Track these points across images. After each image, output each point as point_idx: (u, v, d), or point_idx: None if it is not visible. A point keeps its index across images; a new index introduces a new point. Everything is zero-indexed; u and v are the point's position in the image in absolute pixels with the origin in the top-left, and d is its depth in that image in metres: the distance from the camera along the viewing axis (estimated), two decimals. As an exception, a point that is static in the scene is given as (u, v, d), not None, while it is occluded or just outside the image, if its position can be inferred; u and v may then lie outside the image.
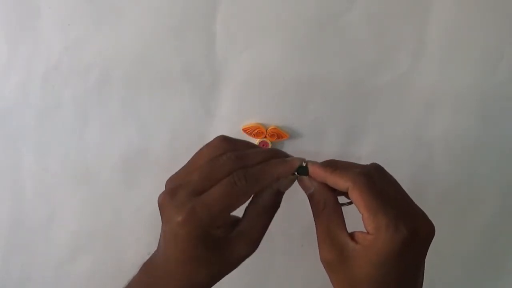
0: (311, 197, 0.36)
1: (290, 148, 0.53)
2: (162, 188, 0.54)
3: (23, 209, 0.56)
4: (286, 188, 0.37)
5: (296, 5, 0.49)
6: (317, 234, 0.35)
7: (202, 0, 0.50)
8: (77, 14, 0.50)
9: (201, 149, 0.36)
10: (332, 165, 0.35)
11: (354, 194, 0.32)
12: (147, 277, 0.36)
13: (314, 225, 0.36)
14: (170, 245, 0.33)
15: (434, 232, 0.33)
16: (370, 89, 0.52)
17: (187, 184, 0.33)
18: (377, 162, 0.36)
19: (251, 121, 0.53)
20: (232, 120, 0.53)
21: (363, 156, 0.53)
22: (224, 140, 0.36)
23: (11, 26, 0.50)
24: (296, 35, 0.50)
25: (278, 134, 0.52)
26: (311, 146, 0.53)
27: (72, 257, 0.57)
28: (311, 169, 0.35)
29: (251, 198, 0.36)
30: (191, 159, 0.36)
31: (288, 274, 0.56)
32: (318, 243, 0.35)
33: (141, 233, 0.56)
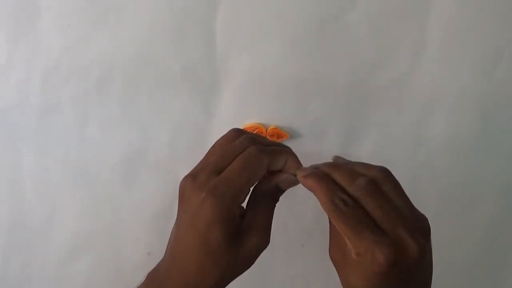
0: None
1: (290, 148, 0.53)
2: (162, 188, 0.54)
3: (23, 209, 0.56)
4: (285, 187, 0.37)
5: (296, 5, 0.49)
6: (329, 231, 0.36)
7: (202, 0, 0.50)
8: (77, 14, 0.50)
9: (217, 141, 0.38)
10: (318, 180, 0.34)
11: (332, 220, 0.33)
12: (152, 282, 0.37)
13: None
14: (188, 231, 0.33)
15: (424, 248, 0.32)
16: (370, 89, 0.52)
17: (206, 166, 0.34)
18: (384, 167, 0.35)
19: (251, 121, 0.53)
20: (232, 120, 0.53)
21: (363, 156, 0.53)
22: (238, 130, 0.38)
23: (11, 26, 0.50)
24: (296, 35, 0.50)
25: (278, 134, 0.52)
26: (311, 146, 0.53)
27: (72, 257, 0.57)
28: (301, 180, 0.35)
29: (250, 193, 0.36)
30: (209, 150, 0.38)
31: (288, 274, 0.56)
32: (329, 236, 0.36)
33: (141, 233, 0.56)
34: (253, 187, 0.37)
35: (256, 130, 0.52)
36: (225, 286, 0.36)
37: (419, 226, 0.33)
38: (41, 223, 0.56)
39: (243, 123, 0.53)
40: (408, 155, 0.54)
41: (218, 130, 0.53)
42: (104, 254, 0.56)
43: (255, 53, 0.51)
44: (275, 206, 0.37)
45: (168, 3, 0.50)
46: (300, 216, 0.54)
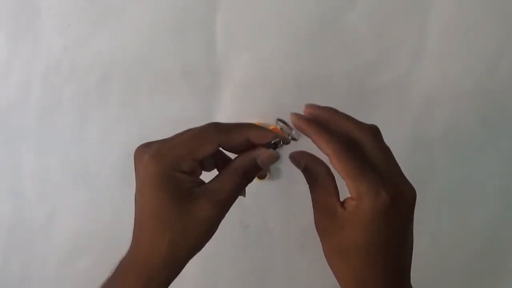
0: (304, 172, 0.36)
1: (290, 148, 0.53)
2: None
3: (23, 209, 0.56)
4: (265, 165, 0.36)
5: (296, 5, 0.49)
6: (312, 205, 0.35)
7: (202, 0, 0.50)
8: (77, 14, 0.50)
9: None
10: (318, 125, 0.34)
11: (333, 162, 0.33)
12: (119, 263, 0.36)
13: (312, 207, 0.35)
14: (138, 198, 0.34)
15: (416, 196, 0.33)
16: (370, 89, 0.52)
17: (162, 139, 0.35)
18: (375, 125, 0.36)
19: (251, 121, 0.53)
20: (232, 120, 0.53)
21: (363, 156, 0.53)
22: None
23: (11, 26, 0.50)
24: (296, 35, 0.50)
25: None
26: (311, 146, 0.53)
27: (72, 257, 0.57)
28: (296, 122, 0.35)
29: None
30: None
31: (288, 274, 0.56)
32: (313, 212, 0.35)
33: (141, 233, 0.56)
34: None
35: (256, 130, 0.52)
36: (180, 264, 0.35)
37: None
38: (41, 223, 0.56)
39: (243, 123, 0.53)
40: (408, 155, 0.54)
41: (218, 130, 0.53)
42: (104, 254, 0.56)
43: (255, 53, 0.51)
44: (245, 185, 0.36)
45: (168, 3, 0.50)
46: (300, 216, 0.54)
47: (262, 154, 0.36)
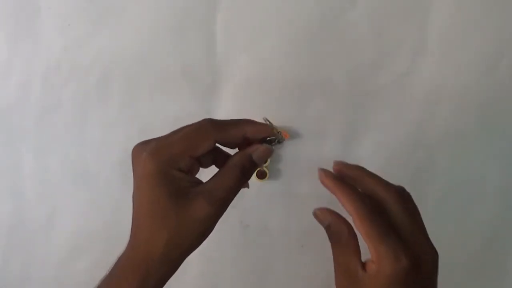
0: (327, 229, 0.36)
1: (290, 148, 0.53)
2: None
3: (23, 209, 0.56)
4: (260, 159, 0.36)
5: (296, 5, 0.49)
6: (333, 263, 0.35)
7: (202, 0, 0.50)
8: (77, 14, 0.50)
9: None
10: (344, 184, 0.34)
11: (356, 224, 0.33)
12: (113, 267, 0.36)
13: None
14: (136, 194, 0.34)
15: (437, 259, 0.33)
16: (370, 89, 0.52)
17: (159, 137, 0.35)
18: (402, 186, 0.35)
19: (251, 121, 0.53)
20: (232, 120, 0.53)
21: (363, 156, 0.53)
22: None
23: (11, 26, 0.50)
24: (296, 35, 0.50)
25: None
26: (311, 146, 0.53)
27: (72, 257, 0.57)
28: (322, 179, 0.35)
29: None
30: None
31: (288, 274, 0.56)
32: (334, 270, 0.35)
33: (141, 233, 0.56)
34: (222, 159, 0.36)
35: (256, 130, 0.52)
36: (177, 261, 0.34)
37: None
38: (41, 223, 0.56)
39: (243, 123, 0.53)
40: (408, 155, 0.54)
41: (218, 130, 0.53)
42: (104, 254, 0.56)
43: (255, 53, 0.51)
44: (243, 182, 0.36)
45: (168, 3, 0.50)
46: (300, 216, 0.54)
47: (257, 149, 0.36)
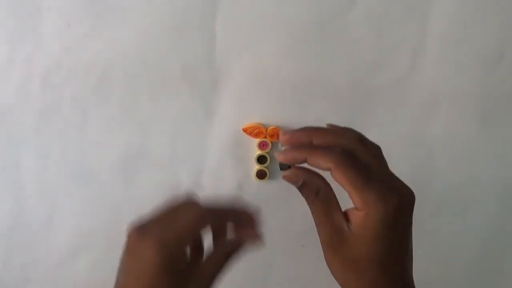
0: (301, 187, 0.35)
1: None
2: (162, 188, 0.54)
3: (23, 209, 0.56)
4: (247, 247, 0.37)
5: (296, 5, 0.49)
6: (314, 220, 0.35)
7: (202, 0, 0.50)
8: (77, 14, 0.50)
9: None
10: (308, 145, 0.34)
11: (337, 175, 0.32)
12: None
13: (311, 212, 0.35)
14: (137, 282, 0.33)
15: (415, 198, 0.33)
16: (370, 89, 0.52)
17: (153, 217, 0.34)
18: (356, 130, 0.35)
19: (251, 121, 0.53)
20: (232, 120, 0.53)
21: (363, 156, 0.53)
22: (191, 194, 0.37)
23: (11, 26, 0.50)
24: (296, 35, 0.51)
25: (278, 134, 0.52)
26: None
27: (72, 257, 0.57)
28: (288, 156, 0.34)
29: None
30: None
31: (288, 274, 0.56)
32: (316, 227, 0.35)
33: (141, 233, 0.56)
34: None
35: (256, 130, 0.52)
36: None
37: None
38: (41, 223, 0.56)
39: (243, 123, 0.53)
40: (408, 155, 0.54)
41: (218, 130, 0.53)
42: (104, 254, 0.56)
43: (255, 53, 0.51)
44: (232, 258, 0.36)
45: (168, 3, 0.50)
46: (300, 216, 0.54)
47: (246, 240, 0.36)
